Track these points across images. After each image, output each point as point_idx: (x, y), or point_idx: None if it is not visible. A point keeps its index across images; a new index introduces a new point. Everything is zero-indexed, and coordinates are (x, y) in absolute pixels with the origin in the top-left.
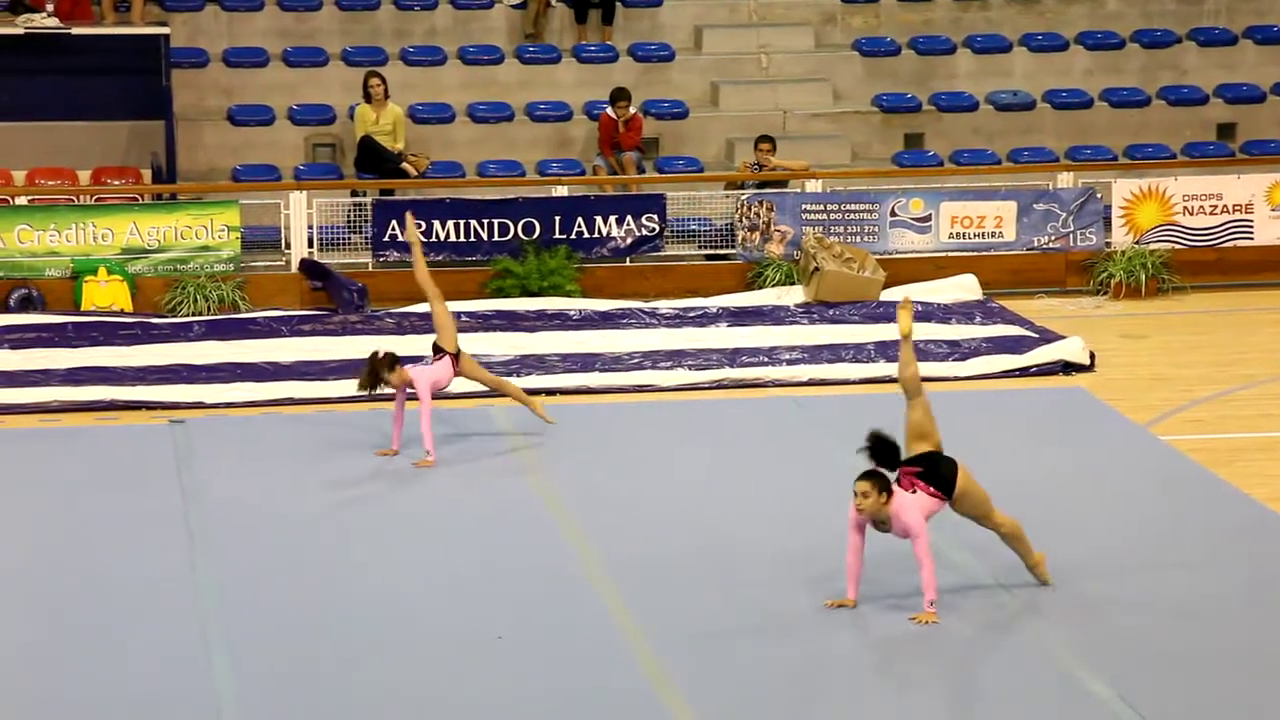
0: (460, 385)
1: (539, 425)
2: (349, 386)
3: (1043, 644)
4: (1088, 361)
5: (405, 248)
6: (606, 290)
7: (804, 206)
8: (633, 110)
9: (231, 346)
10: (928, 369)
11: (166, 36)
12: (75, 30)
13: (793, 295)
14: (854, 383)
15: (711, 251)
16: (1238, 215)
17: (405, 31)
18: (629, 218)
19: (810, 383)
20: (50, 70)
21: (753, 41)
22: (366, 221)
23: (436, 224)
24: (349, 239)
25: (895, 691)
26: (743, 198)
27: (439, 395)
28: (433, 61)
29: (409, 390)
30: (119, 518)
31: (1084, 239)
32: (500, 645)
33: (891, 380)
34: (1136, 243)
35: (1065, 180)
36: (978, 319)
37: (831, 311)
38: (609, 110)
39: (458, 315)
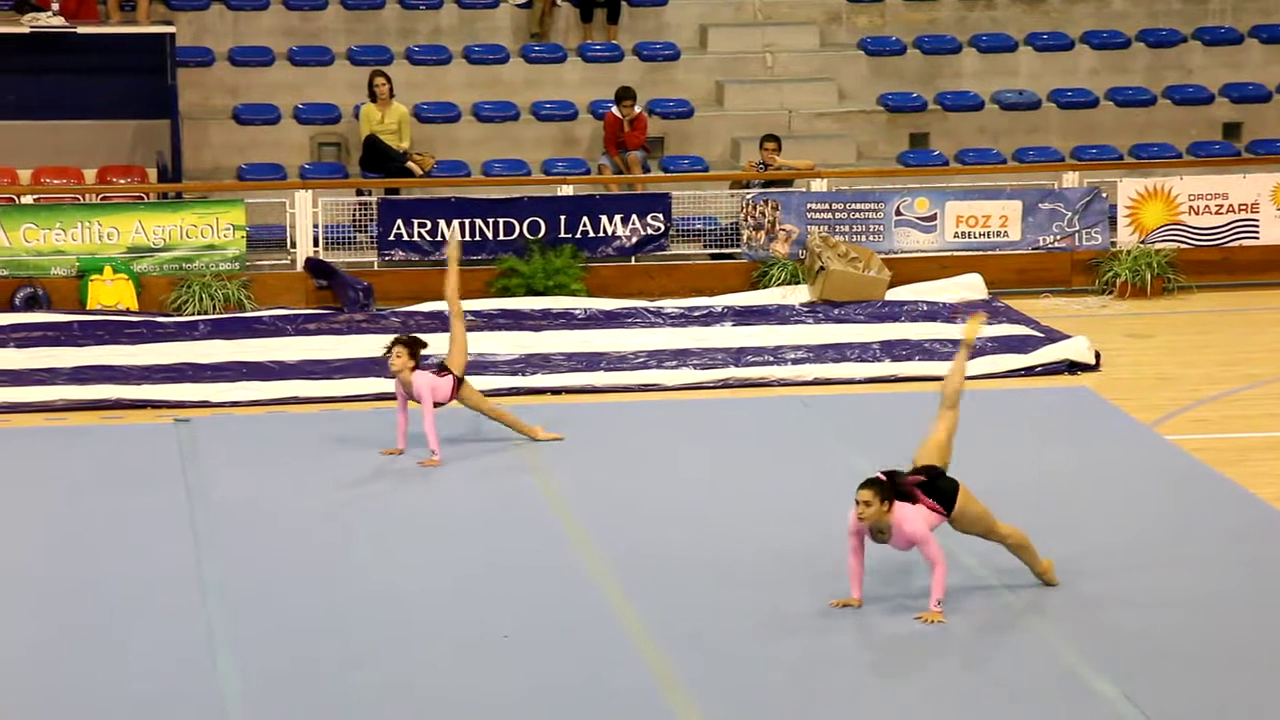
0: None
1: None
2: (354, 385)
3: (1047, 643)
4: (1093, 361)
5: (411, 247)
6: (612, 289)
7: (809, 206)
8: (638, 109)
9: (237, 345)
10: (933, 368)
11: (172, 35)
12: (80, 29)
13: (798, 295)
14: (859, 382)
15: (717, 251)
16: (1243, 215)
17: (410, 30)
18: (634, 217)
19: (815, 382)
20: (56, 69)
21: (758, 41)
22: (372, 220)
23: (442, 223)
24: (354, 238)
25: (900, 690)
26: (748, 197)
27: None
28: (438, 61)
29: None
30: (124, 517)
31: (1089, 238)
32: (505, 644)
33: (896, 380)
34: (1142, 242)
35: (1070, 180)
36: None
37: (837, 311)
38: (614, 109)
39: (463, 314)
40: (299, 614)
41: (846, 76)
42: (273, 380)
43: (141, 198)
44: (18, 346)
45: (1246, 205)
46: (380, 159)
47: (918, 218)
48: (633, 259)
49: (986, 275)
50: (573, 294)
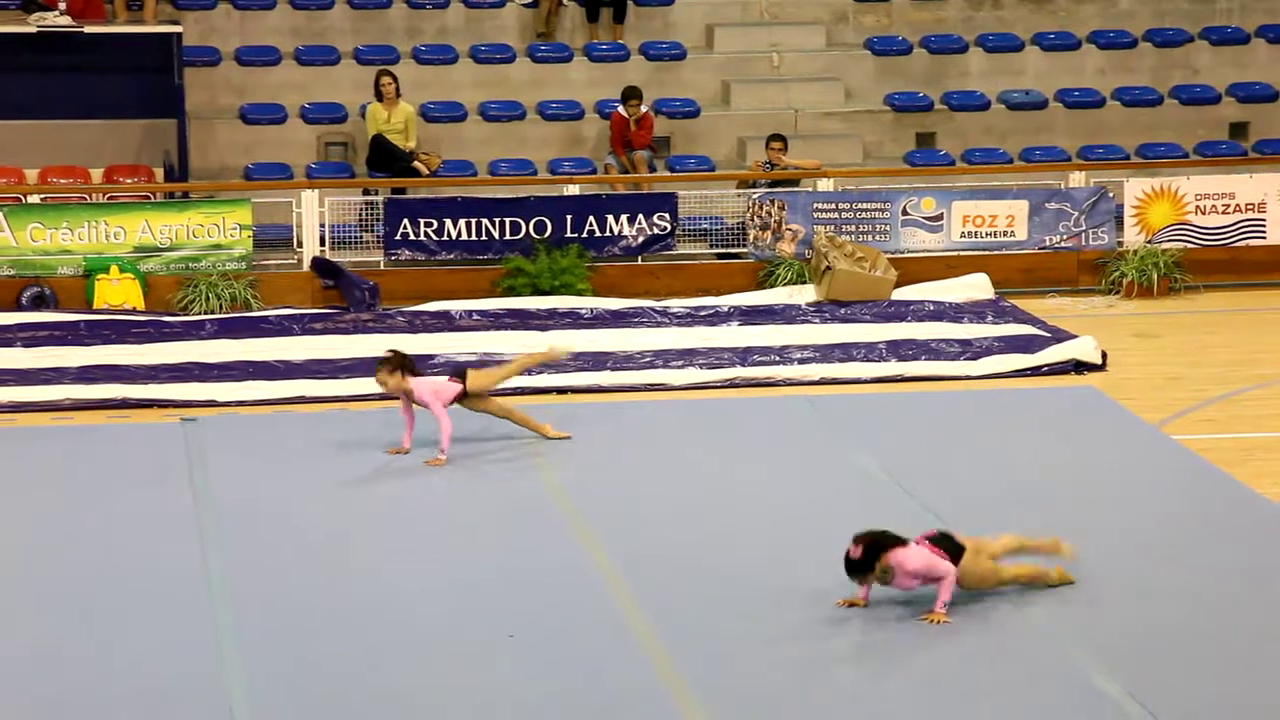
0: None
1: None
2: (360, 385)
3: (1052, 642)
4: (1100, 361)
5: (417, 246)
6: (618, 289)
7: (816, 205)
8: (644, 109)
9: (243, 345)
10: (939, 368)
11: (179, 35)
12: (88, 29)
13: (804, 294)
14: (865, 382)
15: (723, 250)
16: (1250, 214)
17: (417, 30)
18: (640, 216)
19: (822, 382)
20: (63, 69)
21: (764, 40)
22: (378, 220)
23: (448, 223)
24: (361, 237)
25: (905, 690)
26: (754, 197)
27: None
28: (444, 60)
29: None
30: (130, 516)
31: (1096, 238)
32: (511, 644)
33: (902, 379)
34: (1148, 242)
35: (1077, 179)
36: (989, 318)
37: (843, 310)
38: (620, 109)
39: (469, 314)
40: (305, 612)
41: (853, 76)
42: (279, 380)
43: (148, 197)
44: (24, 346)
45: (1253, 205)
46: (386, 158)
47: (924, 217)
48: (639, 259)
49: (993, 275)
50: (579, 294)
